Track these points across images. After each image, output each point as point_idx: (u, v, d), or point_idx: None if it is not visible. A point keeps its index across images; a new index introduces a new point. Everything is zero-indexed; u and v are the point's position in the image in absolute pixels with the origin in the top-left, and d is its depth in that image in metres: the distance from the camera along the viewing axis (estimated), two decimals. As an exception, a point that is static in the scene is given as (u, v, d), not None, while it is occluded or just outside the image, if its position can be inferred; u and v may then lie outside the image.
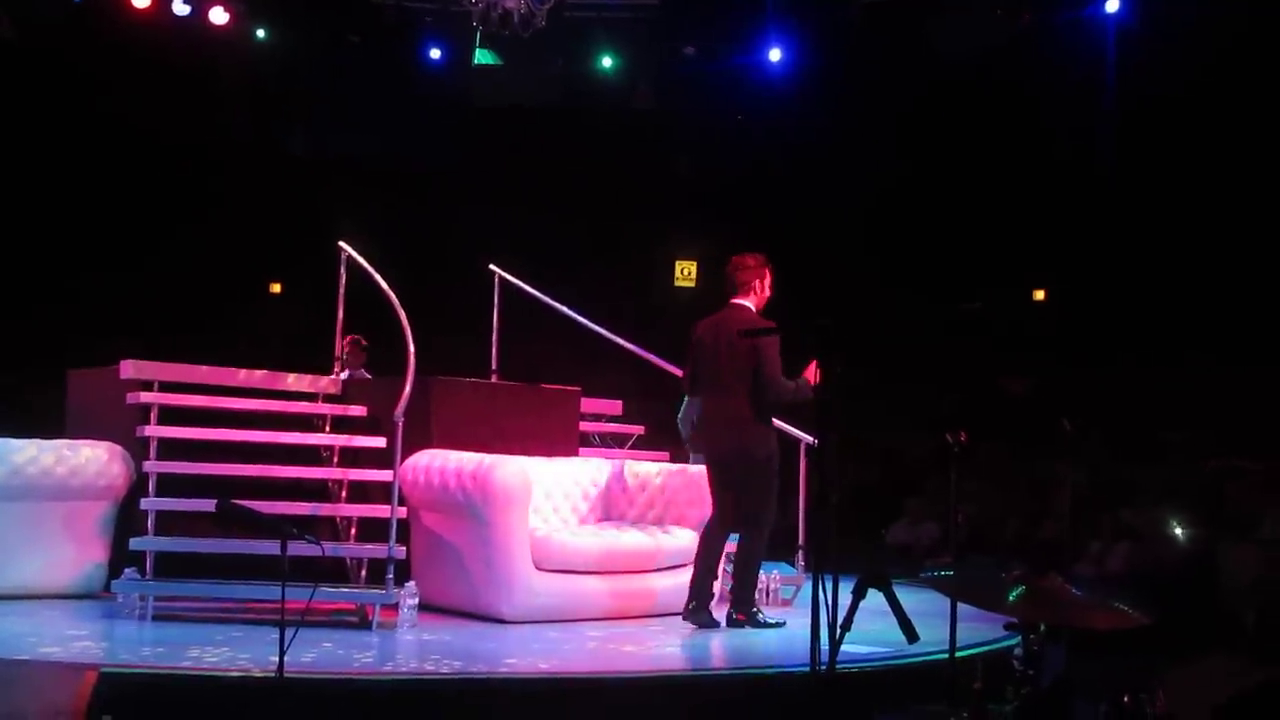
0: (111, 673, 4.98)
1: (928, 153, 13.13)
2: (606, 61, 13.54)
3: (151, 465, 7.06)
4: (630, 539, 7.43)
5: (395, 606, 6.56)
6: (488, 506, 6.84)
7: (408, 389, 6.88)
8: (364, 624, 6.56)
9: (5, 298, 12.22)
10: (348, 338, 9.80)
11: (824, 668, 4.02)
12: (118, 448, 7.40)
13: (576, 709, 5.40)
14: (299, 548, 4.54)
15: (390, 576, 6.57)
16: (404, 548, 6.80)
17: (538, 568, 6.96)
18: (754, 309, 7.05)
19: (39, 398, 9.39)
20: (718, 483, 7.06)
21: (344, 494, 7.54)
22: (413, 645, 6.29)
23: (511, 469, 6.96)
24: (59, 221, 12.94)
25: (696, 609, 6.96)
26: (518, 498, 6.91)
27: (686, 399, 9.53)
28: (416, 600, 6.66)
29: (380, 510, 6.89)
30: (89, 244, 12.96)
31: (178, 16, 12.20)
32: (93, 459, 7.31)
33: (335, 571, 6.84)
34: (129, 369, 7.50)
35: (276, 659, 4.30)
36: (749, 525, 6.98)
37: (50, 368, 8.76)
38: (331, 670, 5.42)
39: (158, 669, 5.28)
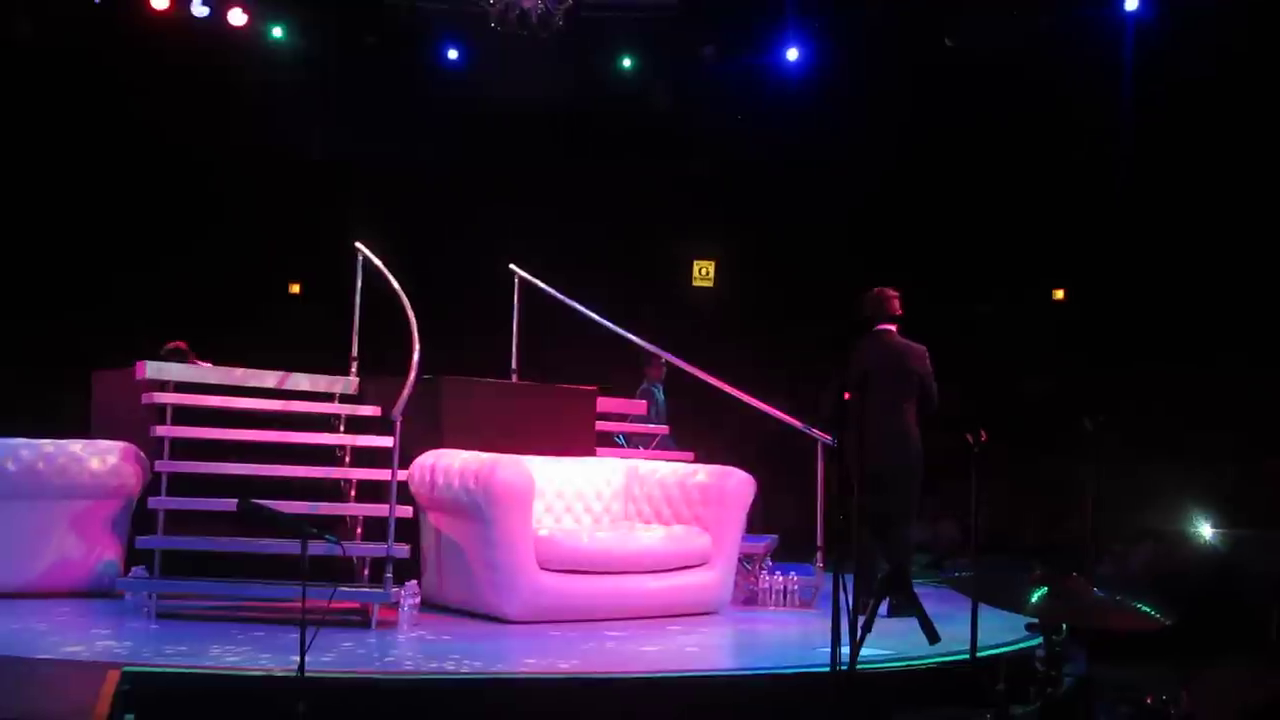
0: (134, 672, 4.99)
1: (947, 152, 13.05)
2: (625, 61, 13.52)
3: (163, 465, 7.07)
4: (641, 539, 7.38)
5: (396, 606, 6.55)
6: (491, 506, 6.80)
7: (408, 388, 6.86)
8: (365, 623, 6.54)
9: (36, 299, 12.30)
10: (167, 345, 9.77)
11: (844, 668, 3.99)
12: (132, 447, 7.42)
13: (592, 708, 5.38)
14: (310, 547, 4.53)
15: (389, 575, 6.54)
16: (406, 546, 6.77)
17: (543, 568, 6.91)
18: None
19: (68, 397, 9.43)
20: (874, 489, 7.17)
21: (353, 493, 7.53)
22: (407, 644, 6.24)
23: (514, 469, 6.92)
24: (85, 224, 12.99)
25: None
26: (520, 497, 6.86)
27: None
28: (417, 600, 6.64)
29: (382, 509, 6.88)
30: (116, 246, 13.00)
31: (196, 18, 12.27)
32: (106, 458, 7.34)
33: (344, 571, 6.82)
34: (145, 369, 7.52)
35: (296, 658, 4.30)
36: (903, 525, 7.53)
37: (79, 368, 8.81)
38: (353, 669, 5.42)
39: (181, 668, 5.26)
